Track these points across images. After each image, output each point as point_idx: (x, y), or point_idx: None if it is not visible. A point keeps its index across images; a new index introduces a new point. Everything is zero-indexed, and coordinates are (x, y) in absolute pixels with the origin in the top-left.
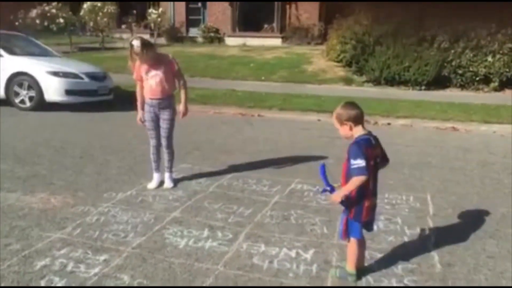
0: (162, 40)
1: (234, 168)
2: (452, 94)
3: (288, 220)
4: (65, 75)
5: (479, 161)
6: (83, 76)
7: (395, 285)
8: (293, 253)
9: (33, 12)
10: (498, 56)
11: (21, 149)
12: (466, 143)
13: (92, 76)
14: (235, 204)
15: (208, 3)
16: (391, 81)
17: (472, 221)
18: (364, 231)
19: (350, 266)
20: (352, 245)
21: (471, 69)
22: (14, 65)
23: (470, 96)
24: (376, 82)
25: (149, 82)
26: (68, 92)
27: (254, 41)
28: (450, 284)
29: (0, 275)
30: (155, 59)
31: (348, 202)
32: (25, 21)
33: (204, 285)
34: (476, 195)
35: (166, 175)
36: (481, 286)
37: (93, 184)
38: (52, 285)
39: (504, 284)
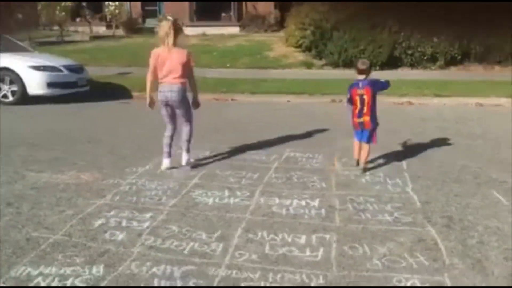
0: (120, 32)
1: (231, 144)
2: (404, 73)
3: (291, 180)
4: (46, 68)
5: (435, 127)
6: (63, 69)
7: (388, 218)
8: (303, 202)
9: None
10: (442, 37)
11: (29, 137)
12: (422, 114)
13: (70, 69)
14: (243, 171)
15: None
16: (349, 64)
17: (438, 171)
18: None
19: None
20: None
21: (419, 49)
22: None
23: (420, 74)
24: (335, 65)
25: (164, 69)
26: (49, 85)
27: (212, 30)
28: (429, 216)
29: (68, 232)
30: (177, 49)
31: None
32: None
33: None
34: (438, 152)
35: (184, 154)
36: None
37: (112, 162)
38: (112, 238)
39: (469, 213)
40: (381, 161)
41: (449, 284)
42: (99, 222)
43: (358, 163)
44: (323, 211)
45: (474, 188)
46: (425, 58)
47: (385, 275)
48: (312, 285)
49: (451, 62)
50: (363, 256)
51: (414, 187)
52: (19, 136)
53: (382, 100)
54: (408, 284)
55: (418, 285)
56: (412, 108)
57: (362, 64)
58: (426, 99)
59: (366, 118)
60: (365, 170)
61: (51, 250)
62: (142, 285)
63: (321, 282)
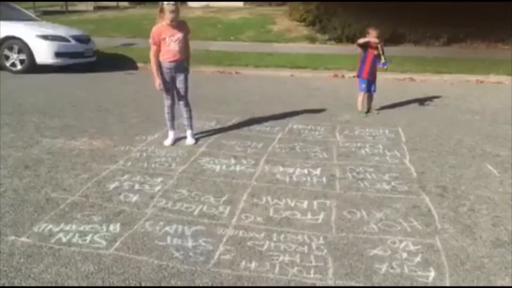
0: (125, 3)
1: (236, 114)
2: (407, 49)
3: (294, 150)
4: (54, 38)
5: (434, 103)
6: (70, 39)
7: (386, 187)
8: (305, 171)
9: None
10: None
11: (40, 105)
12: (423, 90)
13: (78, 39)
14: (248, 140)
15: None
16: (352, 39)
17: (435, 144)
18: None
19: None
20: None
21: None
22: (2, 30)
23: (422, 51)
24: (338, 40)
25: (171, 46)
26: (57, 54)
27: (216, 3)
28: (424, 185)
29: (85, 194)
30: (177, 22)
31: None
32: None
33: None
34: (436, 127)
35: (188, 132)
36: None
37: (122, 130)
38: (127, 200)
39: (462, 183)
40: (381, 134)
41: (440, 246)
42: (114, 185)
43: (369, 110)
44: (324, 179)
45: (469, 161)
46: (428, 35)
47: (381, 237)
48: (313, 245)
49: (454, 39)
50: (360, 220)
51: (411, 159)
52: (30, 104)
53: (384, 75)
54: (401, 246)
55: (411, 247)
56: (413, 84)
57: (379, 31)
58: (427, 75)
59: (376, 73)
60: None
61: (70, 210)
62: (156, 242)
63: (321, 242)
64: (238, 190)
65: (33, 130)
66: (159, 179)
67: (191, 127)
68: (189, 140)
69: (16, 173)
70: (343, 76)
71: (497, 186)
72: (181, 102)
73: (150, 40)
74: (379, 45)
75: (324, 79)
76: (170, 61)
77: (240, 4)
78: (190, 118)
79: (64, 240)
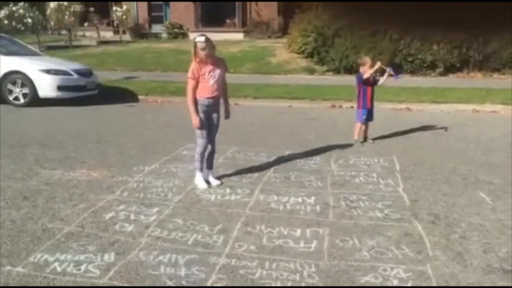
0: (127, 37)
1: (233, 145)
2: (403, 80)
3: (289, 179)
4: (56, 72)
5: (431, 132)
6: (72, 72)
7: (378, 215)
8: (299, 199)
9: (0, 13)
10: (442, 44)
11: (41, 137)
12: (419, 120)
13: (80, 73)
14: (244, 170)
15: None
16: (350, 70)
17: (429, 172)
18: None
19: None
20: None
21: (419, 56)
22: (6, 64)
23: (419, 81)
24: (336, 71)
25: (209, 82)
26: (60, 88)
27: (217, 36)
28: (417, 213)
29: (81, 224)
30: (215, 59)
31: None
32: None
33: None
34: (431, 155)
35: (211, 173)
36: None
37: (121, 161)
38: (122, 229)
39: (455, 211)
40: (375, 163)
41: (430, 273)
42: (110, 215)
43: (365, 139)
44: (318, 207)
45: (462, 188)
46: (425, 65)
47: (372, 265)
48: (305, 272)
49: (450, 69)
50: (352, 248)
51: (405, 187)
52: (31, 136)
53: (382, 106)
54: (393, 273)
55: (402, 274)
56: (409, 114)
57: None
58: (423, 105)
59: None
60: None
61: (65, 240)
62: (149, 271)
63: (313, 270)
64: (232, 219)
65: (32, 161)
66: (155, 209)
67: (212, 167)
68: (214, 181)
69: (15, 204)
70: (340, 107)
71: (489, 214)
72: (212, 143)
73: (189, 75)
74: (386, 68)
75: (321, 110)
76: (208, 98)
77: (240, 36)
78: (213, 158)
79: (59, 269)
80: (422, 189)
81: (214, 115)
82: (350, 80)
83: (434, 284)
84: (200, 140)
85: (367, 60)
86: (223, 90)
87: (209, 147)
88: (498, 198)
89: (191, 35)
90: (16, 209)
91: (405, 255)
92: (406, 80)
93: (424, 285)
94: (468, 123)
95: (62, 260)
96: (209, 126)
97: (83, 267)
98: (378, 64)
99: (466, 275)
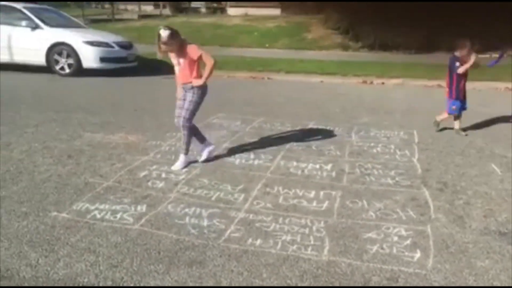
0: (167, 11)
1: (260, 115)
2: (439, 57)
3: (310, 148)
4: (99, 44)
5: None
6: (114, 45)
7: (389, 181)
8: (317, 166)
9: None
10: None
11: (84, 104)
12: None
13: (121, 45)
14: (268, 138)
15: None
16: (384, 46)
17: (446, 145)
18: None
19: None
20: None
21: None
22: (53, 36)
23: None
24: (371, 47)
25: (176, 71)
26: (102, 59)
27: (254, 11)
28: (426, 181)
29: (118, 180)
30: (181, 49)
31: None
32: None
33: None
34: (451, 131)
35: (181, 156)
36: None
37: (155, 127)
38: (154, 186)
39: (463, 180)
40: (395, 135)
41: (430, 233)
42: (143, 173)
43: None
44: (333, 173)
45: (474, 160)
46: None
47: (377, 223)
48: (314, 227)
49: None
50: (361, 209)
51: (420, 157)
52: (75, 103)
53: (413, 83)
54: (394, 231)
55: (403, 232)
56: (440, 90)
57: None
58: None
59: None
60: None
61: (104, 192)
62: (175, 221)
63: (321, 225)
64: (253, 181)
65: (76, 125)
66: (184, 169)
67: (185, 150)
68: (176, 165)
69: (61, 161)
70: (371, 83)
71: (497, 184)
72: (180, 123)
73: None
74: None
75: (352, 85)
76: (179, 83)
77: (278, 11)
78: (184, 140)
79: (98, 216)
80: (436, 160)
81: (187, 98)
82: (384, 56)
83: (431, 243)
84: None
85: (467, 44)
86: (194, 73)
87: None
88: (509, 170)
89: (230, 10)
90: (62, 166)
91: (408, 216)
92: (443, 57)
93: (422, 242)
94: (497, 101)
95: (101, 209)
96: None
97: (118, 215)
98: (473, 58)
99: (463, 235)
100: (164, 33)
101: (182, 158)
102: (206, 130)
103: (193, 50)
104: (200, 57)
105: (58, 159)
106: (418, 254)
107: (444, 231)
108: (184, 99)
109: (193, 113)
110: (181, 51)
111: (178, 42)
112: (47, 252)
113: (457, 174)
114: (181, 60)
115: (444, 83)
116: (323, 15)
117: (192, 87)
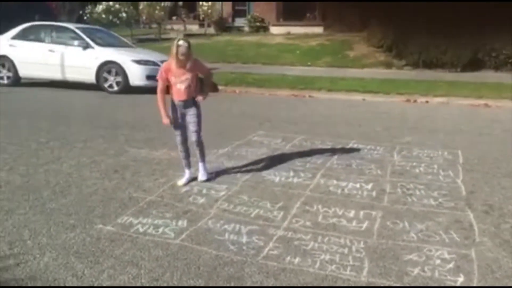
0: (211, 30)
1: (301, 133)
2: (486, 75)
3: (350, 166)
4: (146, 63)
5: (504, 129)
6: (160, 63)
7: (432, 202)
8: (357, 185)
9: (99, 8)
10: None
11: (130, 121)
12: (495, 116)
13: None
14: (308, 156)
15: None
16: (429, 64)
17: (492, 167)
18: None
19: None
20: None
21: (504, 52)
22: (103, 55)
23: (503, 77)
24: (415, 65)
25: (177, 85)
26: (148, 77)
27: (297, 29)
28: (471, 203)
29: (161, 195)
30: (188, 63)
31: None
32: (92, 16)
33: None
34: (499, 151)
35: (200, 166)
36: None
37: None
38: (195, 201)
39: (511, 203)
40: (439, 155)
41: (474, 257)
42: (185, 189)
43: None
44: (374, 193)
45: None
46: (510, 61)
47: (418, 245)
48: (353, 248)
49: None
50: (402, 230)
51: (464, 179)
52: (122, 120)
53: (458, 101)
54: (437, 254)
55: (446, 255)
56: (487, 110)
57: None
58: (503, 102)
59: None
60: None
61: (147, 207)
62: (215, 236)
63: (361, 246)
64: (292, 199)
65: (123, 141)
66: (224, 186)
67: (203, 161)
68: (200, 177)
69: (107, 175)
70: (415, 101)
71: None
72: (193, 138)
73: (158, 75)
74: None
75: (395, 104)
76: (179, 100)
77: (320, 29)
78: (202, 155)
79: (141, 230)
80: (481, 181)
81: (190, 112)
82: (428, 75)
83: (475, 267)
84: (176, 138)
85: None
86: (204, 84)
87: (193, 144)
88: None
89: (272, 29)
90: (108, 180)
91: (452, 239)
92: (489, 75)
93: (465, 266)
94: None
95: (144, 223)
96: (187, 124)
97: (160, 230)
98: None
99: (509, 260)
100: (184, 44)
101: (203, 167)
102: (246, 147)
103: (201, 64)
104: (208, 71)
105: (105, 173)
106: (461, 278)
107: (489, 256)
108: (184, 116)
109: (201, 124)
110: (191, 65)
111: (192, 55)
112: (92, 263)
113: (503, 196)
114: (188, 76)
115: (489, 101)
116: (366, 33)
117: (194, 102)
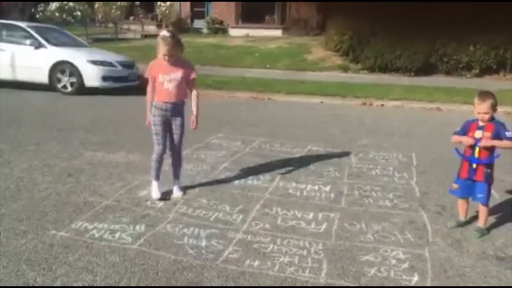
0: None
1: (260, 136)
2: (438, 80)
3: (309, 169)
4: (102, 63)
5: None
6: (116, 64)
7: (388, 204)
8: (316, 187)
9: (52, 6)
10: (478, 45)
11: (85, 123)
12: (447, 120)
13: (123, 64)
14: (268, 159)
15: None
16: (384, 69)
17: (444, 168)
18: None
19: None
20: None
21: (454, 57)
22: (56, 55)
23: (453, 82)
24: (371, 69)
25: (164, 85)
26: (104, 78)
27: (256, 32)
28: (425, 204)
29: (117, 199)
30: (177, 61)
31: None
32: (45, 14)
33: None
34: (450, 154)
35: (176, 183)
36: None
37: None
38: (153, 205)
39: None
40: (394, 157)
41: (427, 256)
42: (143, 193)
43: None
44: (332, 195)
45: None
46: (460, 66)
47: (375, 246)
48: (312, 249)
49: (486, 71)
50: (359, 231)
51: (418, 181)
52: (77, 121)
53: (412, 105)
54: (392, 254)
55: (401, 255)
56: (439, 113)
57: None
58: (455, 105)
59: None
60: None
61: (103, 212)
62: (174, 241)
63: (320, 247)
64: (252, 201)
65: (77, 144)
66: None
67: (178, 177)
68: (176, 193)
69: (60, 180)
70: (371, 104)
71: (495, 208)
72: (174, 151)
73: (146, 74)
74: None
75: (352, 107)
76: (164, 102)
77: (279, 33)
78: (179, 168)
79: (96, 235)
80: (434, 183)
81: (176, 122)
82: (383, 78)
83: (429, 266)
84: (155, 147)
85: (490, 99)
86: (186, 94)
87: (173, 156)
88: (507, 195)
89: (231, 31)
90: (61, 184)
91: (406, 239)
92: (441, 80)
93: (419, 265)
94: None
95: (100, 228)
96: (170, 132)
97: (117, 235)
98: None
99: (461, 259)
100: (167, 34)
101: (178, 185)
102: (205, 150)
103: (191, 67)
104: (193, 79)
105: (58, 177)
106: (415, 278)
107: (442, 255)
108: (167, 124)
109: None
110: (179, 64)
111: (180, 48)
112: (45, 271)
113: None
114: (178, 75)
115: (442, 105)
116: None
117: (182, 109)
